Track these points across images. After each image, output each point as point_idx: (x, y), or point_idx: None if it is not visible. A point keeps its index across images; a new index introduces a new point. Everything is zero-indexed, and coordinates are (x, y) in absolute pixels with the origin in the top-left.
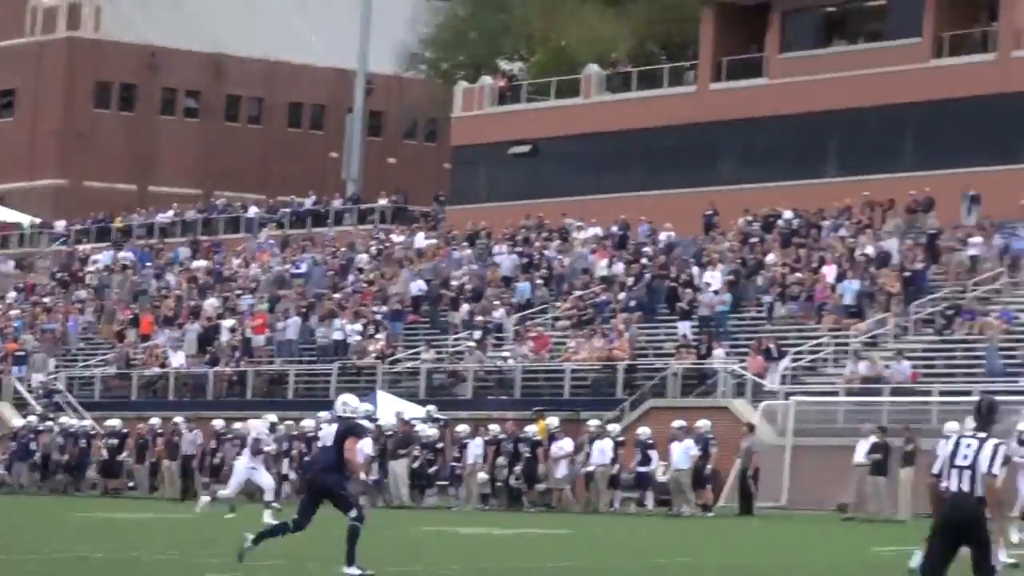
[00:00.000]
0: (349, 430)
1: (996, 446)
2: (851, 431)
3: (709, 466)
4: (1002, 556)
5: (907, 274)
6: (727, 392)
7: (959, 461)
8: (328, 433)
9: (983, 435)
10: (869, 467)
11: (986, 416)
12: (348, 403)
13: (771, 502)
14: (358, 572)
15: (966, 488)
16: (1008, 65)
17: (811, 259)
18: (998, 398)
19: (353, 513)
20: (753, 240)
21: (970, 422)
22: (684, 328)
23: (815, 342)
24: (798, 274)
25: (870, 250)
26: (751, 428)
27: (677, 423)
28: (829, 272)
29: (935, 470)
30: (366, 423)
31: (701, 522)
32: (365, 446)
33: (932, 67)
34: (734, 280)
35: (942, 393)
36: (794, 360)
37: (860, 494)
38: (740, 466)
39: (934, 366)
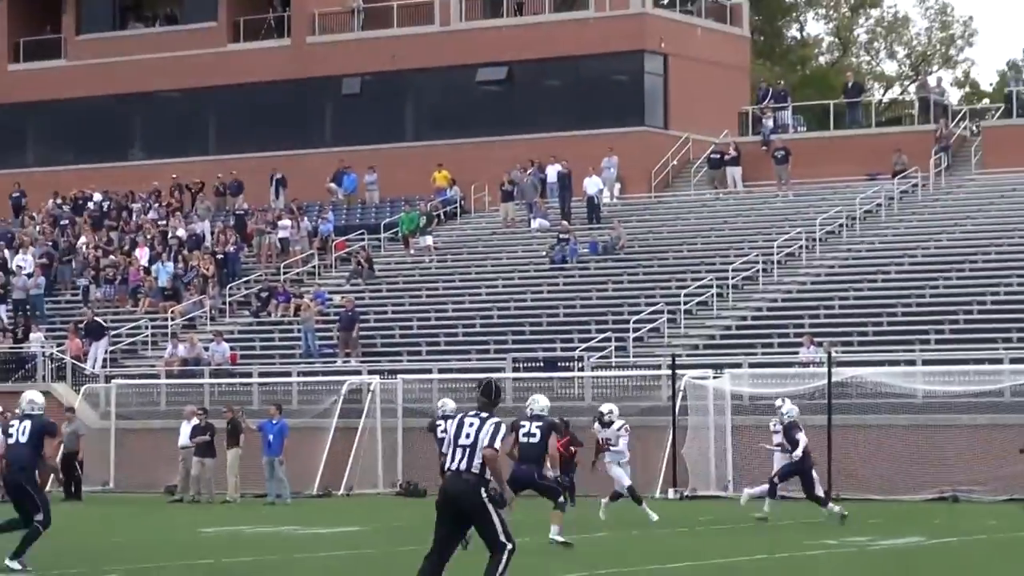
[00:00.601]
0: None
1: (496, 424)
2: (174, 413)
3: None
4: (553, 533)
5: (220, 256)
6: (48, 376)
7: (462, 440)
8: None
9: (484, 415)
10: (194, 448)
11: (491, 397)
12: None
13: (99, 485)
14: (19, 568)
15: (463, 467)
16: (303, 50)
17: (124, 241)
18: (317, 379)
19: (40, 516)
20: (64, 222)
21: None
22: None
23: (133, 324)
24: (112, 256)
25: (182, 232)
26: (73, 412)
27: None
28: (142, 255)
29: (445, 449)
30: None
31: None
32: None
33: (230, 51)
34: (47, 263)
35: (262, 374)
36: (113, 343)
37: (187, 475)
38: (65, 450)
39: (253, 347)
